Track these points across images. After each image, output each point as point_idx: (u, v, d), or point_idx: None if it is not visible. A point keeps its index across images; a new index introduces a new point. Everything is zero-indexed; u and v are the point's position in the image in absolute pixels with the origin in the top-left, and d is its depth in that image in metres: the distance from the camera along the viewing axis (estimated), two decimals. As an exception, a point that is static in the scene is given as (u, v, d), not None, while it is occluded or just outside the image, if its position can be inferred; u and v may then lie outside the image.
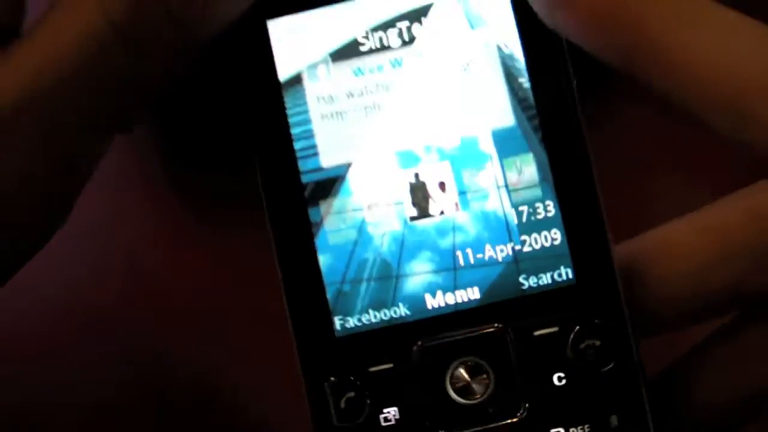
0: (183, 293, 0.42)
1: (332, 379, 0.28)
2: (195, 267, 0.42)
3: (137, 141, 0.42)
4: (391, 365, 0.28)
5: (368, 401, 0.28)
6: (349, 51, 0.29)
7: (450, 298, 0.29)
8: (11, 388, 0.41)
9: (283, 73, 0.29)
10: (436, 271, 0.29)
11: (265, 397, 0.39)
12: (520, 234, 0.29)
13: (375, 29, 0.29)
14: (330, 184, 0.29)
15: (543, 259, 0.29)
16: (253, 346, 0.36)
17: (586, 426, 0.28)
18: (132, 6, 0.26)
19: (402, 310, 0.29)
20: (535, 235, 0.29)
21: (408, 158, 0.29)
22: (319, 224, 0.29)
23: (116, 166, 0.42)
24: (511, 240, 0.29)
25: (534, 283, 0.29)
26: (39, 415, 0.41)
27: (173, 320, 0.42)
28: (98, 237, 0.43)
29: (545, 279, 0.29)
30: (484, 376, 0.28)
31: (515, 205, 0.29)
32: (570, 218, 0.29)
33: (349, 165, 0.29)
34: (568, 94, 0.29)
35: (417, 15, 0.29)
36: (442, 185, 0.29)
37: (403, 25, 0.29)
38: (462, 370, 0.28)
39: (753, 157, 0.25)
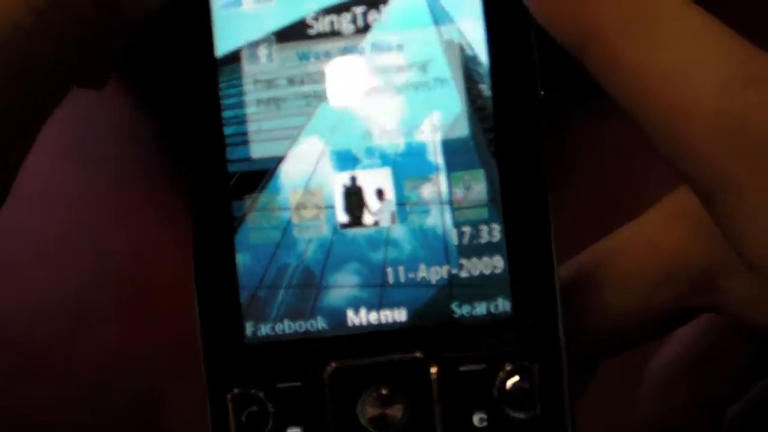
0: (185, 292, 0.41)
1: (236, 390, 0.26)
2: None
3: (139, 140, 0.41)
4: (300, 383, 0.26)
5: (271, 419, 0.26)
6: (295, 32, 0.26)
7: (373, 317, 0.26)
8: (11, 388, 0.41)
9: (221, 50, 0.26)
10: (361, 286, 0.26)
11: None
12: (459, 257, 0.26)
13: (327, 11, 0.26)
14: (258, 178, 0.26)
15: (480, 288, 0.26)
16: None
17: None
18: None
19: (320, 324, 0.26)
20: (474, 259, 0.26)
21: (346, 159, 0.26)
22: (242, 219, 0.26)
23: (117, 165, 0.41)
24: (447, 262, 0.26)
25: (467, 312, 0.26)
26: (40, 413, 0.41)
27: (175, 319, 0.40)
28: (100, 237, 0.42)
29: (479, 309, 0.26)
30: (400, 406, 0.26)
31: (457, 225, 0.26)
32: (515, 247, 0.26)
33: (280, 159, 0.26)
34: (533, 109, 0.26)
35: (376, 1, 0.26)
36: (379, 193, 0.26)
37: (359, 10, 0.26)
38: (376, 398, 0.26)
39: (689, 185, 0.23)
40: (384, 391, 0.26)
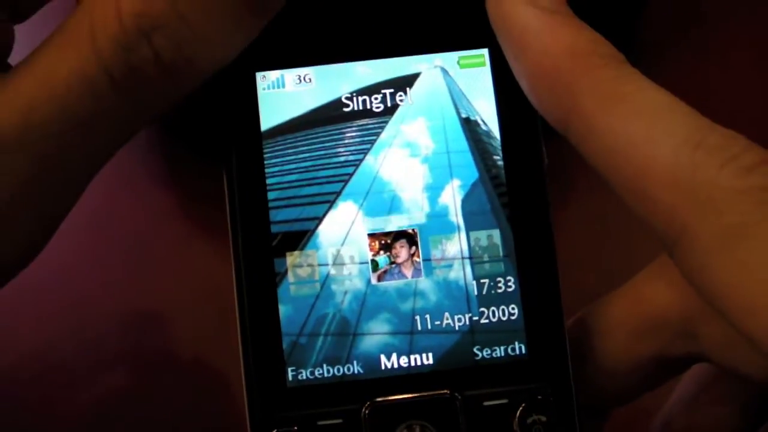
0: (184, 290, 0.42)
1: (279, 429, 0.28)
2: (196, 263, 0.41)
3: (139, 137, 0.42)
4: (339, 421, 0.29)
5: None
6: (332, 109, 0.30)
7: (404, 361, 0.29)
8: (11, 384, 0.41)
9: (266, 124, 0.30)
10: (393, 333, 0.29)
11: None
12: (479, 306, 0.29)
13: (360, 92, 0.30)
14: (299, 237, 0.29)
15: (498, 333, 0.29)
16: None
17: None
18: (124, 51, 0.26)
19: (356, 368, 0.29)
20: (493, 308, 0.29)
21: (377, 220, 0.30)
22: (283, 275, 0.29)
23: (118, 162, 0.41)
24: (469, 310, 0.29)
25: (487, 354, 0.29)
26: (40, 410, 0.41)
27: (177, 317, 0.42)
28: (100, 233, 0.43)
29: (499, 352, 0.29)
30: None
31: (477, 278, 0.30)
32: (528, 296, 0.29)
33: (319, 220, 0.29)
34: (539, 176, 0.30)
35: (402, 84, 0.30)
36: (408, 250, 0.30)
37: (388, 91, 0.30)
38: None
39: (658, 238, 0.26)
40: (417, 426, 0.29)
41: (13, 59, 0.28)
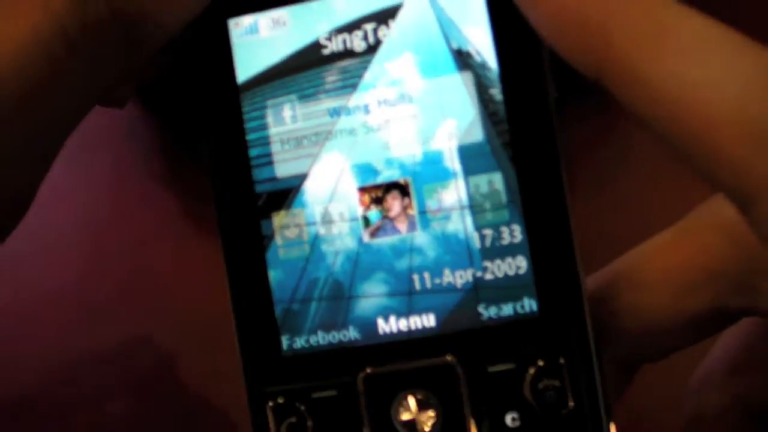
0: (186, 290, 0.42)
1: (275, 402, 0.27)
2: (198, 264, 0.41)
3: (139, 136, 0.42)
4: (335, 392, 0.27)
5: (310, 427, 0.27)
6: (310, 53, 0.27)
7: (403, 324, 0.27)
8: (12, 382, 0.42)
9: (242, 76, 0.27)
10: (390, 295, 0.27)
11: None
12: (482, 259, 0.26)
13: (339, 31, 0.27)
14: (284, 196, 0.27)
15: (505, 289, 0.26)
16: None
17: None
18: (79, 5, 0.25)
19: (352, 334, 0.27)
20: (498, 261, 0.26)
21: (366, 171, 0.27)
22: (271, 238, 0.27)
23: (117, 162, 0.42)
24: (472, 265, 0.27)
25: (494, 313, 0.26)
26: (40, 408, 0.42)
27: (176, 317, 0.41)
28: (100, 234, 0.43)
29: (506, 310, 0.26)
30: (432, 410, 0.26)
31: (479, 228, 0.27)
32: (537, 246, 0.26)
33: (304, 176, 0.27)
34: (544, 110, 0.26)
35: (384, 17, 0.27)
36: (401, 202, 0.27)
37: (369, 27, 0.27)
38: (409, 403, 0.26)
39: (725, 194, 0.22)
40: (417, 396, 0.26)
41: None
